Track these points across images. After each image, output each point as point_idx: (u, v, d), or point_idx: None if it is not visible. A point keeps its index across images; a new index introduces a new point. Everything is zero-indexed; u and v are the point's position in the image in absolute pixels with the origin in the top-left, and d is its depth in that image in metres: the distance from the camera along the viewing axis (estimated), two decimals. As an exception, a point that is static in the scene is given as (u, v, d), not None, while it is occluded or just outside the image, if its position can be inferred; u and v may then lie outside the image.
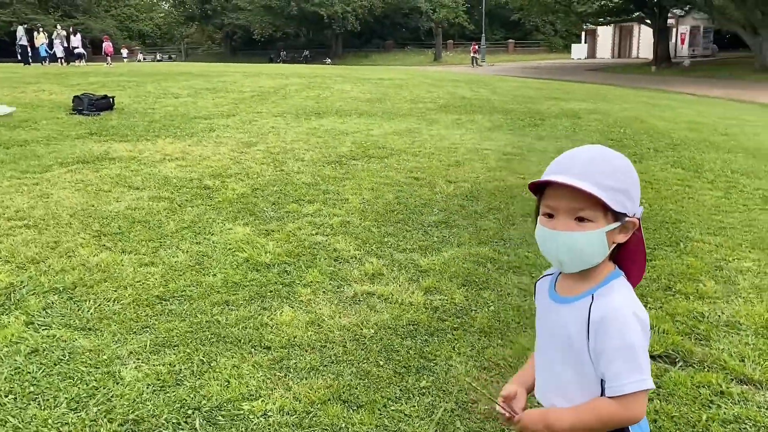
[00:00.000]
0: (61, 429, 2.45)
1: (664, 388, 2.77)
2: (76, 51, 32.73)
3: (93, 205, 5.35)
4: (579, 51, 51.32)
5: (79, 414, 2.54)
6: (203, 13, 62.84)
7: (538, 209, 1.42)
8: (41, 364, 2.89)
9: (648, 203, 5.77)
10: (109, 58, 33.95)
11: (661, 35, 36.92)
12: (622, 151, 1.39)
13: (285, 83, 16.84)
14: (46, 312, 3.42)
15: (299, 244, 4.58)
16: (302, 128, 9.94)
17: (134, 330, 3.25)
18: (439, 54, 54.81)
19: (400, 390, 2.78)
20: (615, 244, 1.38)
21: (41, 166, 6.79)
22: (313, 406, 2.64)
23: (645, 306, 1.39)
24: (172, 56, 61.39)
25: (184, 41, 69.42)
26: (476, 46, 46.54)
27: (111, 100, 11.51)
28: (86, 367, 2.88)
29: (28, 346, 3.03)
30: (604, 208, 1.31)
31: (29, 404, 2.59)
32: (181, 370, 2.88)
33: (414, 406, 2.66)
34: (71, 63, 30.78)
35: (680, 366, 2.99)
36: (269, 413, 2.58)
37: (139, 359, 2.96)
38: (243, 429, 2.49)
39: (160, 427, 2.48)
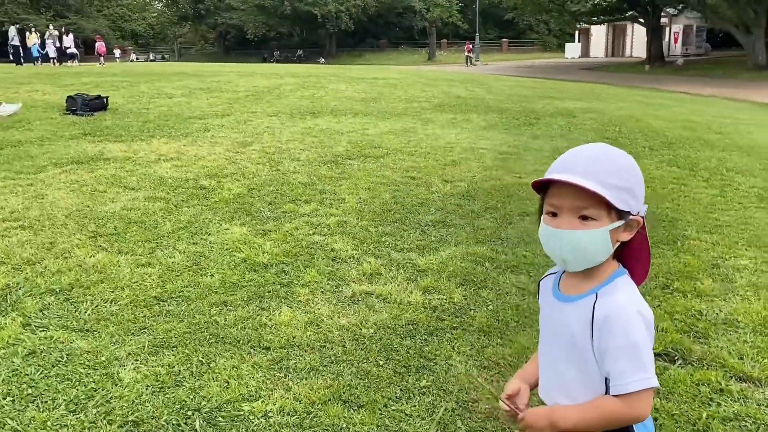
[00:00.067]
0: (60, 431, 2.43)
1: (664, 386, 2.77)
2: (68, 51, 32.61)
3: (88, 206, 5.33)
4: (573, 50, 51.43)
5: (78, 416, 2.52)
6: (196, 13, 62.68)
7: (541, 208, 1.42)
8: (39, 365, 2.87)
9: (644, 201, 5.78)
10: (101, 58, 33.83)
11: (655, 34, 37.04)
12: None
13: (279, 83, 16.81)
14: (43, 313, 3.39)
15: (296, 244, 4.57)
16: (297, 128, 9.93)
17: (132, 331, 3.23)
18: (433, 53, 54.84)
19: (401, 390, 2.77)
20: (619, 243, 1.38)
21: (35, 167, 6.75)
22: (313, 407, 2.63)
23: (646, 304, 1.38)
24: (165, 56, 61.23)
25: (177, 41, 69.24)
26: (470, 45, 46.62)
27: (105, 100, 11.47)
28: (84, 368, 2.86)
29: (25, 348, 3.01)
30: (608, 206, 1.31)
31: (28, 406, 2.57)
32: (180, 371, 2.87)
33: (415, 406, 2.65)
34: (63, 63, 30.63)
35: (679, 364, 3.00)
36: (269, 414, 2.58)
37: (137, 360, 2.95)
38: (244, 430, 2.48)
39: (160, 429, 2.47)
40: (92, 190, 5.85)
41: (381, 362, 2.99)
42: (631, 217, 1.35)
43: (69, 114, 10.68)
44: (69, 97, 11.27)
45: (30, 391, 2.68)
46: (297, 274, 4.03)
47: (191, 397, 2.67)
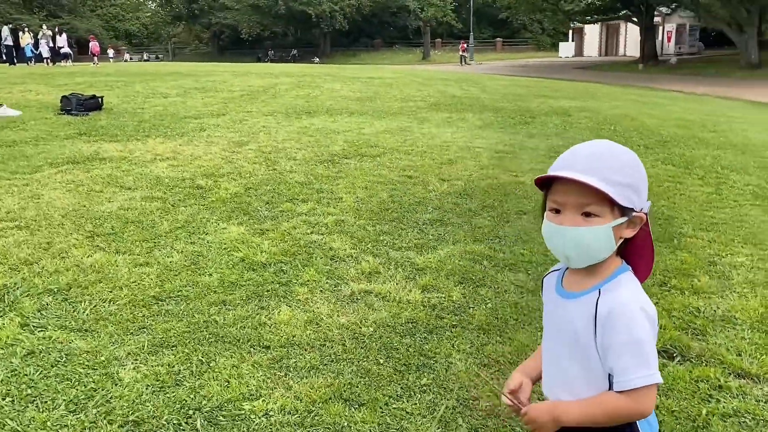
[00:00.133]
0: (60, 431, 2.42)
1: (664, 383, 2.78)
2: (62, 51, 32.47)
3: (85, 206, 5.31)
4: (566, 49, 51.53)
5: (78, 416, 2.51)
6: (190, 13, 62.48)
7: (544, 205, 1.42)
8: (38, 365, 2.86)
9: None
10: (95, 58, 33.72)
11: (648, 33, 37.17)
12: None
13: (274, 82, 16.79)
14: (41, 313, 3.38)
15: (294, 243, 4.57)
16: (293, 127, 9.92)
17: (131, 331, 3.22)
18: (428, 53, 54.89)
19: (401, 388, 2.78)
20: (622, 239, 1.38)
21: (31, 167, 6.72)
22: (314, 405, 2.63)
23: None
24: (159, 56, 61.03)
25: (171, 41, 69.00)
26: (464, 45, 46.66)
27: (99, 100, 11.42)
28: (84, 368, 2.85)
29: (24, 348, 3.00)
30: (611, 203, 1.31)
31: (27, 406, 2.56)
32: (180, 370, 2.86)
33: (415, 404, 2.66)
34: (57, 63, 30.51)
35: (678, 361, 3.02)
36: (270, 413, 2.57)
37: (137, 360, 2.94)
38: (245, 429, 2.48)
39: (160, 428, 2.46)
40: (88, 190, 5.83)
41: (381, 361, 2.99)
42: (634, 213, 1.35)
43: (64, 114, 10.63)
44: (64, 96, 11.22)
45: (29, 391, 2.67)
46: (295, 273, 4.03)
47: (192, 396, 2.67)
